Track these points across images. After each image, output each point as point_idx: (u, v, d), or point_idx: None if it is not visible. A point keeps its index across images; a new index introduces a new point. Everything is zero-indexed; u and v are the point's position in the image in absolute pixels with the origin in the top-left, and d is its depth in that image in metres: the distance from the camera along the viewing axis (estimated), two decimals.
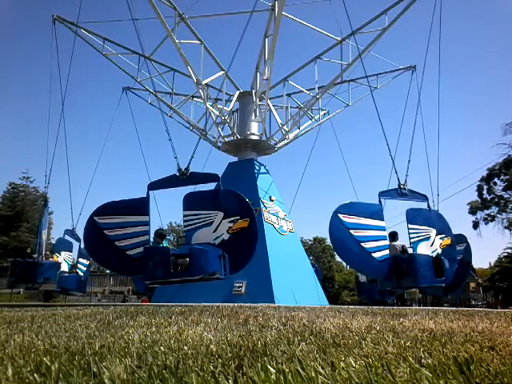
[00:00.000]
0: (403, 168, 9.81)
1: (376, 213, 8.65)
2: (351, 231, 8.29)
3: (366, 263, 8.54)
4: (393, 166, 9.28)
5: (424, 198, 9.47)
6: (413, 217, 8.93)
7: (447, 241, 9.28)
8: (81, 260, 13.43)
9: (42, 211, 12.61)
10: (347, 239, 8.31)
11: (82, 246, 12.78)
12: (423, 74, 12.96)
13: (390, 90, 21.03)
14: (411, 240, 8.83)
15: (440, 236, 9.20)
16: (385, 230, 8.75)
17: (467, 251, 11.51)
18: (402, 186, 9.07)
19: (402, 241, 9.67)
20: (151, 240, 8.19)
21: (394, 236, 9.60)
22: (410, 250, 8.98)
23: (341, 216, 8.32)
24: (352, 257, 8.73)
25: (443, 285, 9.14)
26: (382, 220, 8.70)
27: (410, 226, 8.82)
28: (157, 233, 8.90)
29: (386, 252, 8.50)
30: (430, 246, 8.96)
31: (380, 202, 8.81)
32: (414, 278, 8.39)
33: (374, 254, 8.34)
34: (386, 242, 8.64)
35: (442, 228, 9.34)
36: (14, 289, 17.64)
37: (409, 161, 9.80)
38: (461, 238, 11.51)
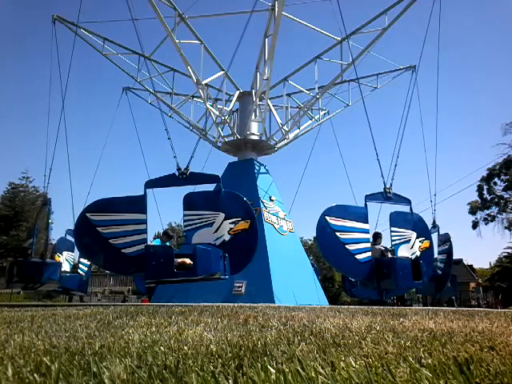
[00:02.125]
0: (402, 168, 9.91)
1: (361, 215, 8.86)
2: (337, 233, 8.51)
3: (349, 265, 8.84)
4: (380, 169, 9.50)
5: (407, 201, 9.73)
6: (396, 220, 9.23)
7: (426, 244, 9.57)
8: (82, 260, 13.40)
9: (40, 211, 12.53)
10: (333, 241, 8.52)
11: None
12: (417, 74, 13.10)
13: (391, 89, 21.06)
14: (393, 242, 9.15)
15: (420, 239, 9.46)
16: (368, 233, 9.06)
17: (450, 249, 11.79)
18: (387, 190, 9.28)
19: (384, 242, 9.94)
20: (151, 239, 8.19)
21: (375, 237, 9.78)
22: (389, 254, 9.24)
23: (328, 218, 8.54)
24: (337, 258, 8.99)
25: (420, 286, 9.49)
26: (367, 223, 8.91)
27: (393, 228, 9.11)
28: (164, 232, 9.35)
29: (369, 254, 8.79)
30: (410, 248, 9.23)
31: (366, 205, 9.01)
32: (393, 280, 8.74)
33: (357, 256, 8.56)
34: (369, 245, 8.87)
35: (423, 231, 9.61)
36: (12, 289, 17.55)
37: (395, 165, 10.03)
38: (446, 237, 11.78)
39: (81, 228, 7.93)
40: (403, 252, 9.15)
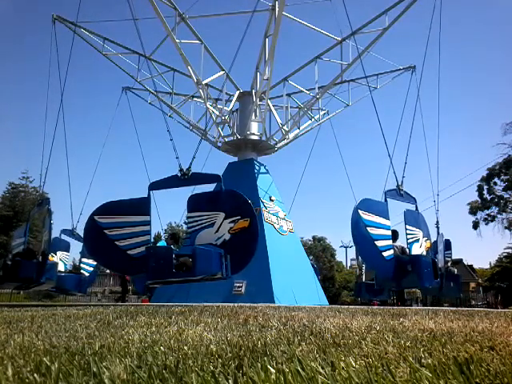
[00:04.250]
0: (401, 168, 9.95)
1: (385, 212, 8.77)
2: (368, 229, 8.37)
3: (377, 261, 8.64)
4: (392, 167, 9.42)
5: (414, 200, 9.71)
6: (410, 218, 9.18)
7: (428, 243, 9.58)
8: (86, 260, 13.36)
9: (34, 210, 12.49)
10: (366, 237, 8.38)
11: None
12: (421, 75, 13.07)
13: (391, 89, 21.07)
14: (408, 240, 9.03)
15: (425, 238, 9.46)
16: (390, 230, 8.88)
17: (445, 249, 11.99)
18: (400, 187, 9.27)
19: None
20: (152, 240, 8.21)
21: (394, 236, 9.73)
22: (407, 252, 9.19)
23: (361, 212, 8.37)
24: (369, 255, 8.81)
25: (437, 285, 9.46)
26: (389, 219, 8.81)
27: (408, 226, 9.01)
28: (171, 235, 9.32)
29: (392, 251, 8.63)
30: (419, 247, 9.20)
31: (386, 200, 8.92)
32: (418, 278, 8.59)
33: (384, 253, 8.43)
34: (391, 242, 8.77)
35: (426, 230, 9.61)
36: (7, 288, 17.45)
37: (405, 163, 9.99)
38: (441, 237, 11.89)
39: (89, 231, 8.09)
40: (416, 251, 9.07)
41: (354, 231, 8.60)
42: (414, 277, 8.57)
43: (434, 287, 10.79)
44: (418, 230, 9.31)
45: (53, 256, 12.69)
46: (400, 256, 9.01)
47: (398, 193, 9.31)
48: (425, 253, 9.32)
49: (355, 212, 8.40)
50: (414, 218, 9.33)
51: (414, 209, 9.61)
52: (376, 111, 10.07)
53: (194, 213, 7.94)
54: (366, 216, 8.41)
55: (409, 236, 9.04)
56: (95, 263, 13.45)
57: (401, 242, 9.82)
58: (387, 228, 8.72)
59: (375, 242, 8.38)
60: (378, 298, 14.56)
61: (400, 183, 9.35)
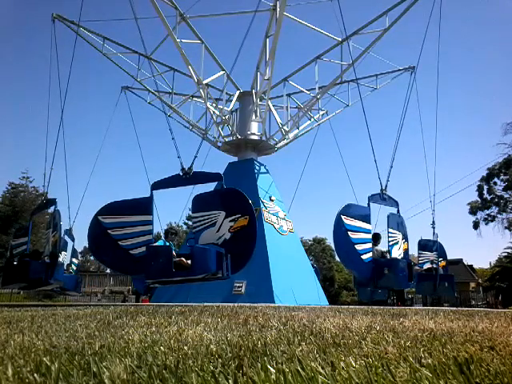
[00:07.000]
0: (403, 168, 10.07)
1: (366, 216, 9.11)
2: (349, 233, 8.70)
3: (356, 264, 9.13)
4: (377, 171, 9.76)
5: (396, 203, 10.02)
6: (392, 221, 9.60)
7: (405, 245, 9.89)
8: (74, 260, 13.46)
9: (38, 210, 12.46)
10: (346, 241, 8.71)
11: (76, 245, 12.89)
12: (415, 75, 13.23)
13: (392, 89, 21.05)
14: (390, 243, 9.37)
15: (403, 240, 9.79)
16: (370, 233, 9.29)
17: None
18: (383, 192, 9.51)
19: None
20: (153, 240, 8.22)
21: (376, 238, 10.00)
22: (387, 255, 9.52)
23: (343, 218, 8.69)
24: (348, 258, 9.18)
25: (411, 287, 9.89)
26: (370, 223, 9.08)
27: (390, 230, 9.33)
28: (166, 231, 9.60)
29: (370, 254, 9.07)
30: (398, 249, 9.51)
31: (369, 205, 9.19)
32: (395, 280, 9.08)
33: (362, 256, 8.74)
34: (371, 245, 9.08)
35: (404, 233, 9.91)
36: (9, 288, 17.42)
37: (391, 166, 10.12)
38: (436, 237, 12.17)
39: (94, 231, 8.12)
40: (395, 253, 9.40)
41: (334, 235, 9.03)
42: (390, 278, 9.01)
43: (427, 286, 11.11)
44: (398, 232, 9.61)
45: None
46: (378, 259, 9.41)
47: (381, 197, 9.62)
48: (402, 254, 9.62)
49: (337, 217, 8.82)
50: (396, 221, 9.67)
51: (396, 212, 9.86)
52: (365, 116, 10.28)
53: (197, 213, 7.98)
54: (347, 221, 8.84)
55: (390, 238, 9.38)
56: (77, 262, 13.67)
57: (382, 244, 10.23)
58: (368, 232, 9.13)
59: (355, 246, 8.77)
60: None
61: (384, 187, 9.58)
